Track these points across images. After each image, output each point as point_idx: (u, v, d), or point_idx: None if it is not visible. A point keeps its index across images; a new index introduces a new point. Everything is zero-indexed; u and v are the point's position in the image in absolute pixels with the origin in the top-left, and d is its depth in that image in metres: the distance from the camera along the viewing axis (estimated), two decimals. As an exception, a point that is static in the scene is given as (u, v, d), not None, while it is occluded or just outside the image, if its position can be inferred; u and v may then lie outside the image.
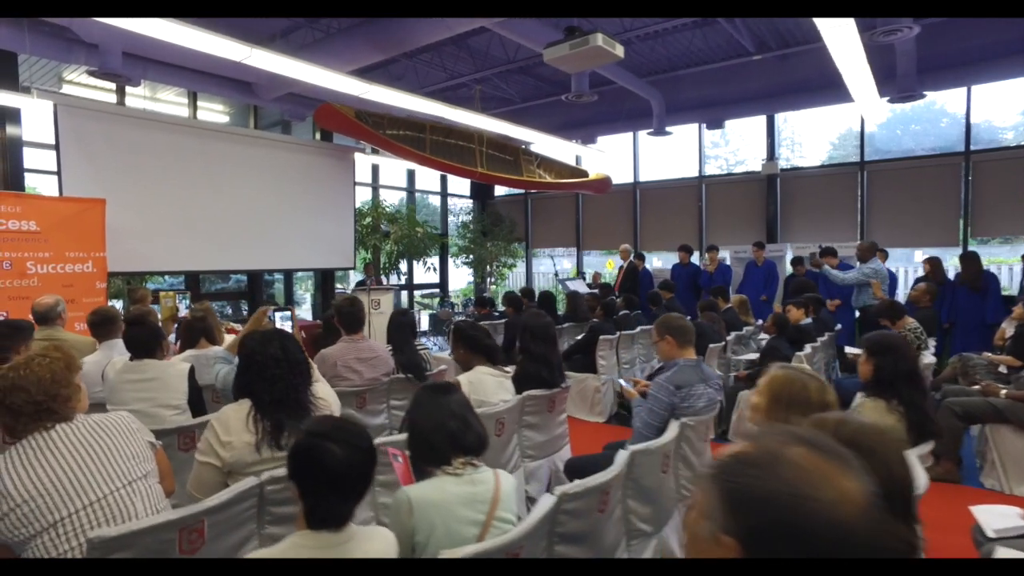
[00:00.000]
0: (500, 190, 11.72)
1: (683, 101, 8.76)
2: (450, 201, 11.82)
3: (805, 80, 8.02)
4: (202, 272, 7.82)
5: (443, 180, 11.55)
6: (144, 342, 2.48)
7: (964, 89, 7.42)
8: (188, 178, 6.75)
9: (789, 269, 8.52)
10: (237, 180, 7.20)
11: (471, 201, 12.11)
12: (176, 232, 6.63)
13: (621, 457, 2.01)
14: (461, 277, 12.33)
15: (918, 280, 6.56)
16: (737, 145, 10.36)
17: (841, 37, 4.16)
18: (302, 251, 7.97)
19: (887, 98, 6.60)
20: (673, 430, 2.36)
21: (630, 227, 10.39)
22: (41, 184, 6.87)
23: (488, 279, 11.42)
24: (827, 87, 7.87)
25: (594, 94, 6.67)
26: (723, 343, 5.02)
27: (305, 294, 10.51)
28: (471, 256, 11.20)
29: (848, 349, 4.73)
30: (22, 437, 1.45)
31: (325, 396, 2.04)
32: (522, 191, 11.62)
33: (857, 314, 6.33)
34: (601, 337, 5.20)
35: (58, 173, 5.75)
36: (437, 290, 11.16)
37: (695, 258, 8.68)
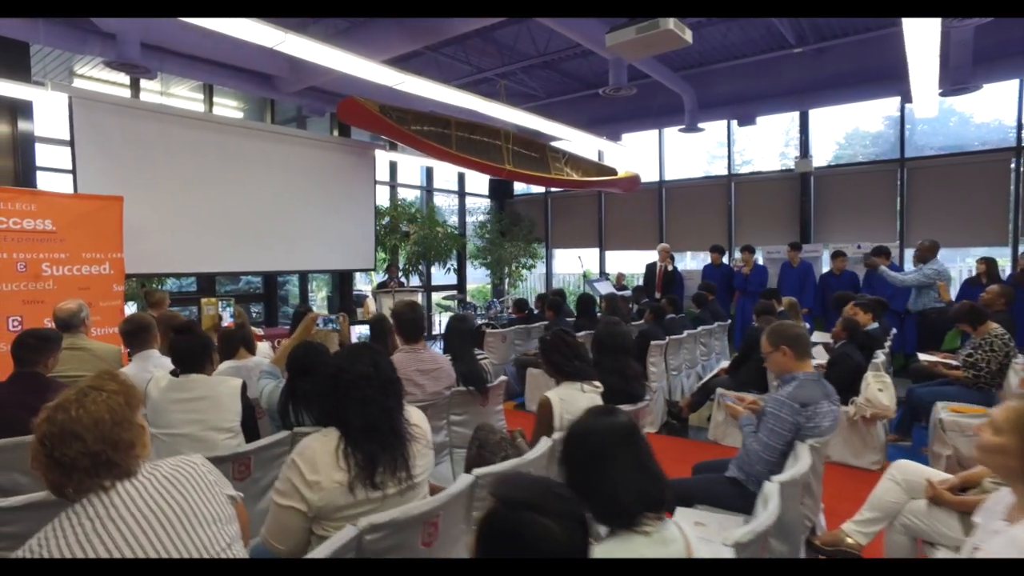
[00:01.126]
0: (519, 189, 11.42)
1: (714, 96, 8.46)
2: (467, 200, 11.51)
3: (841, 75, 7.73)
4: (221, 273, 7.49)
5: (460, 179, 11.24)
6: (192, 355, 2.17)
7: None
8: (206, 176, 6.45)
9: (825, 270, 8.24)
10: (256, 178, 6.89)
11: (488, 200, 11.80)
12: (193, 232, 6.33)
13: (772, 490, 1.69)
14: (476, 277, 12.01)
15: (967, 281, 6.25)
16: (743, 145, 10.15)
17: (923, 24, 3.85)
18: (321, 252, 7.66)
19: (941, 91, 6.28)
20: (806, 455, 2.04)
21: (655, 227, 10.08)
22: (48, 184, 6.55)
23: (506, 280, 11.12)
24: (865, 82, 7.60)
25: (633, 87, 6.35)
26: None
27: (313, 295, 10.16)
28: (488, 257, 10.91)
29: (923, 356, 4.41)
30: (74, 499, 1.11)
31: (418, 422, 1.73)
32: (542, 190, 11.33)
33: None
34: (652, 342, 4.89)
35: (73, 170, 5.44)
36: (459, 291, 10.83)
37: (724, 259, 8.39)
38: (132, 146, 5.85)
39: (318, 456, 1.52)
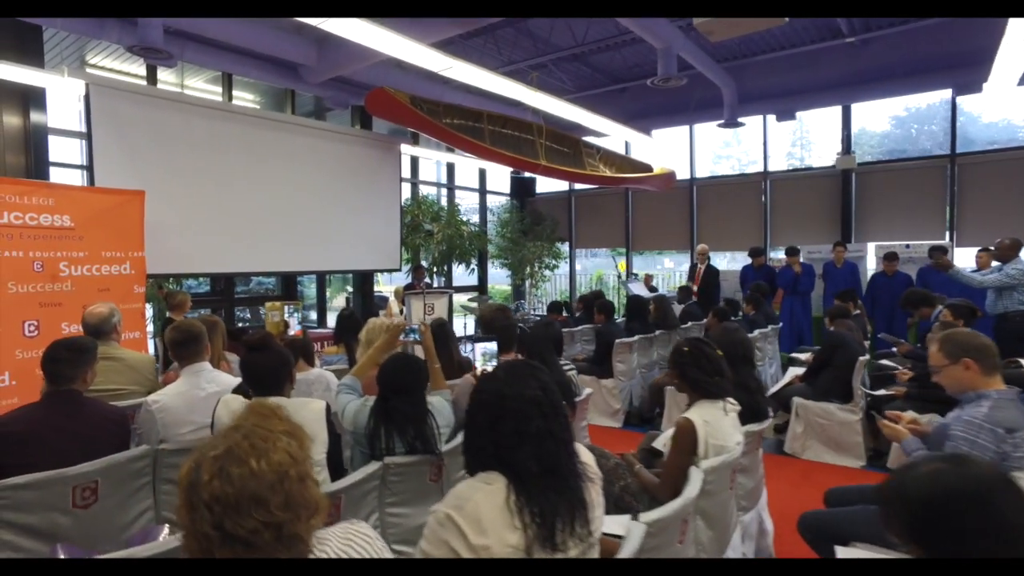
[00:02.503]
0: (541, 187, 11.04)
1: (753, 90, 8.12)
2: (486, 199, 11.13)
3: (889, 66, 7.40)
4: (242, 274, 7.13)
5: (481, 176, 10.87)
6: (271, 373, 1.80)
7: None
8: (227, 170, 6.07)
9: (871, 269, 7.89)
10: (279, 173, 6.51)
11: (507, 199, 11.42)
12: (212, 229, 5.95)
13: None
14: (493, 278, 11.65)
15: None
16: (748, 146, 9.95)
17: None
18: (345, 251, 7.28)
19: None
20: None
21: (686, 226, 9.72)
22: (59, 181, 6.18)
23: (527, 281, 10.75)
24: (915, 73, 7.27)
25: (683, 77, 5.99)
26: (867, 356, 4.34)
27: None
28: (509, 257, 10.54)
29: (1024, 363, 4.04)
30: None
31: (588, 459, 1.36)
32: (565, 188, 10.98)
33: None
34: (719, 348, 4.51)
35: (89, 163, 5.08)
36: (480, 293, 10.46)
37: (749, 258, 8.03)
38: (150, 138, 5.48)
39: (484, 512, 1.14)
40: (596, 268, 12.37)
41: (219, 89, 7.32)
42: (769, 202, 9.05)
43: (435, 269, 8.70)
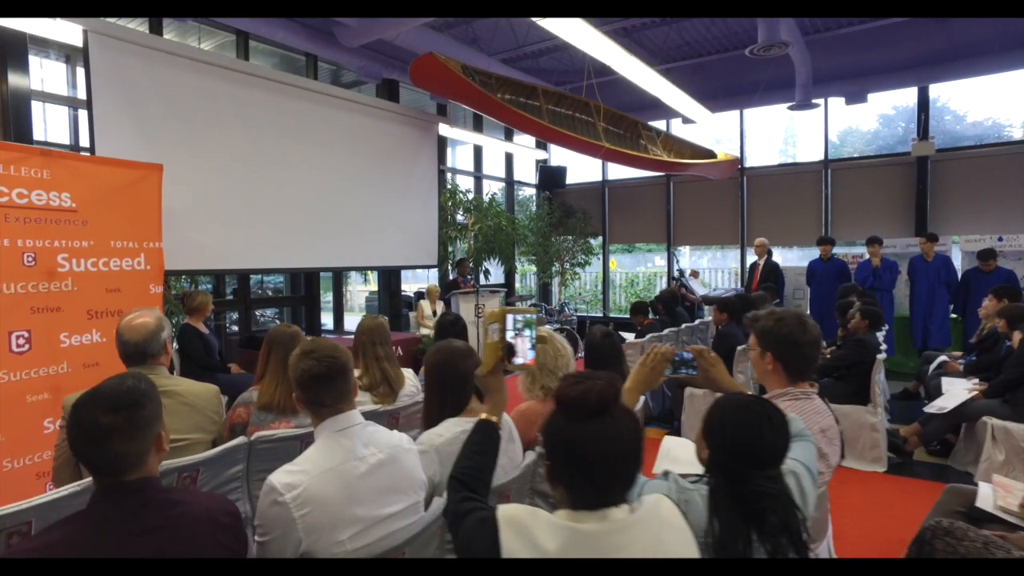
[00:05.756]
0: (572, 177, 10.20)
1: (824, 70, 7.40)
2: (514, 189, 10.25)
3: (978, 42, 6.75)
4: (270, 271, 6.16)
5: (508, 164, 9.98)
6: (619, 465, 0.88)
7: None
8: (249, 147, 5.10)
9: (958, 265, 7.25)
10: (306, 153, 5.55)
11: (531, 189, 10.55)
12: (235, 218, 5.00)
13: None
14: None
15: None
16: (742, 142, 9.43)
17: None
18: (380, 244, 6.34)
19: None
20: None
21: (735, 219, 8.97)
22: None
23: (555, 279, 9.92)
24: (1011, 49, 6.63)
25: (784, 45, 5.22)
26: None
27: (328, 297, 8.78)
28: (538, 253, 9.69)
29: None
30: None
31: None
32: (599, 179, 10.16)
33: None
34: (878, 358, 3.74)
35: (90, 131, 4.07)
36: (509, 292, 9.56)
37: (797, 253, 7.34)
38: (161, 106, 4.49)
39: None
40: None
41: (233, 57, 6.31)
42: (830, 192, 8.35)
43: (475, 267, 7.81)
